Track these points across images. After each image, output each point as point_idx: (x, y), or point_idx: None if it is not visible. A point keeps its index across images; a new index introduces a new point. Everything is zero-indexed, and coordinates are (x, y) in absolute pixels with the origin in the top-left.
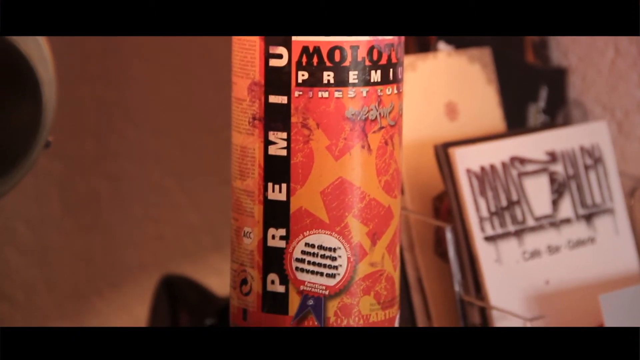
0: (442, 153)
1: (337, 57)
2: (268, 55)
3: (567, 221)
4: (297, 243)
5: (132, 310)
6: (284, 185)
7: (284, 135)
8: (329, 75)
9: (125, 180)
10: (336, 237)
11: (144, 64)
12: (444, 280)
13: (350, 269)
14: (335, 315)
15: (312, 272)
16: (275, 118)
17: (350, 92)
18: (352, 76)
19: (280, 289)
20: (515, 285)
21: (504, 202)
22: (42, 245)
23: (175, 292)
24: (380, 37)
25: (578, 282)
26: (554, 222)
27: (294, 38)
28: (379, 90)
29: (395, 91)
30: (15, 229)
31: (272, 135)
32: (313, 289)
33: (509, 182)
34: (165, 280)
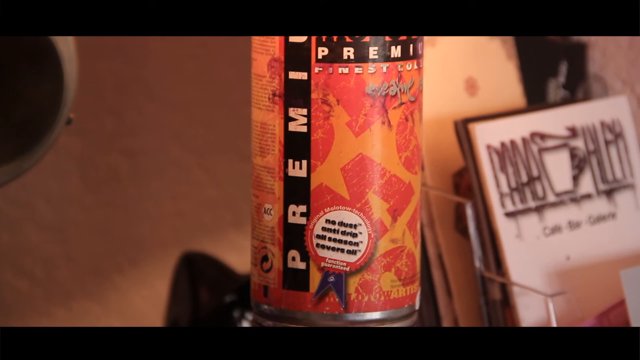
0: (462, 129)
1: None
2: None
3: (587, 197)
4: (318, 220)
5: (152, 286)
6: (304, 162)
7: (304, 111)
8: (349, 51)
9: (145, 156)
10: (357, 214)
11: (163, 39)
12: (465, 256)
13: (371, 246)
14: (356, 292)
15: (333, 249)
16: (295, 94)
17: (371, 67)
18: (372, 52)
19: (301, 265)
20: (536, 261)
21: (524, 178)
22: (62, 221)
23: (195, 269)
24: None
25: (599, 257)
26: (574, 198)
27: None
28: (399, 66)
29: (416, 67)
30: (35, 206)
31: (292, 112)
32: (334, 266)
33: (530, 158)
34: (185, 257)
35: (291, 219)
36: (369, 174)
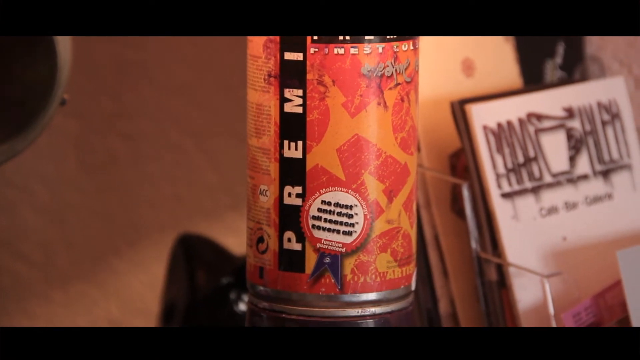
0: (459, 110)
1: None
2: None
3: (584, 177)
4: (314, 201)
5: (150, 269)
6: (299, 143)
7: (300, 92)
8: None
9: (142, 139)
10: (352, 195)
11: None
12: (461, 237)
13: (366, 227)
14: (352, 273)
15: (329, 230)
16: (291, 75)
17: (366, 48)
18: None
19: (297, 246)
20: (532, 242)
21: (520, 159)
22: (59, 204)
23: (192, 251)
24: None
25: (595, 238)
26: (571, 179)
27: None
28: (395, 47)
29: (412, 47)
30: (32, 189)
31: (287, 93)
32: (330, 247)
33: (526, 139)
34: (182, 239)
35: (287, 200)
36: (364, 154)
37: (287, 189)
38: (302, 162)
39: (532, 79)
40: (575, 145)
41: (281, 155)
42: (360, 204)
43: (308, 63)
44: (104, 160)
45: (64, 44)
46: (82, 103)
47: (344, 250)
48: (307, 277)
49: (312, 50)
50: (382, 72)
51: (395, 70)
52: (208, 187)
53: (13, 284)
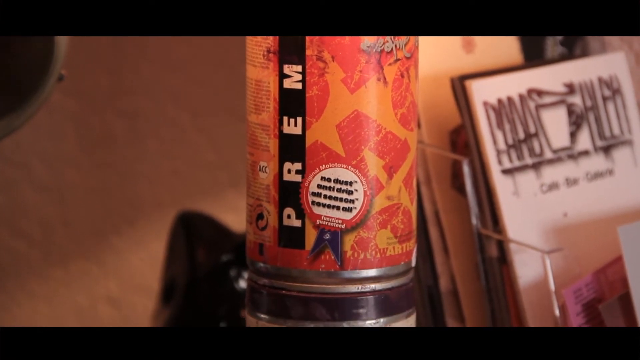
0: (459, 86)
1: None
2: None
3: (585, 153)
4: (313, 177)
5: (149, 247)
6: (299, 119)
7: (299, 68)
8: None
9: (141, 116)
10: (352, 171)
11: None
12: (461, 213)
13: (366, 203)
14: (352, 249)
15: (329, 206)
16: (290, 51)
17: None
18: None
19: (297, 223)
20: (533, 218)
21: (521, 135)
22: (58, 182)
23: (192, 228)
24: None
25: (596, 214)
26: (571, 154)
27: None
28: None
29: None
30: (31, 166)
31: (287, 69)
32: (329, 223)
33: (527, 114)
34: (181, 216)
35: (286, 177)
36: (364, 130)
37: (287, 165)
38: (301, 138)
39: (533, 55)
40: (576, 121)
41: (280, 131)
42: (360, 180)
43: (307, 38)
44: (103, 138)
45: None
46: (80, 81)
47: (343, 226)
48: (307, 253)
49: None
50: (382, 47)
51: (395, 45)
52: (207, 164)
53: (12, 262)
